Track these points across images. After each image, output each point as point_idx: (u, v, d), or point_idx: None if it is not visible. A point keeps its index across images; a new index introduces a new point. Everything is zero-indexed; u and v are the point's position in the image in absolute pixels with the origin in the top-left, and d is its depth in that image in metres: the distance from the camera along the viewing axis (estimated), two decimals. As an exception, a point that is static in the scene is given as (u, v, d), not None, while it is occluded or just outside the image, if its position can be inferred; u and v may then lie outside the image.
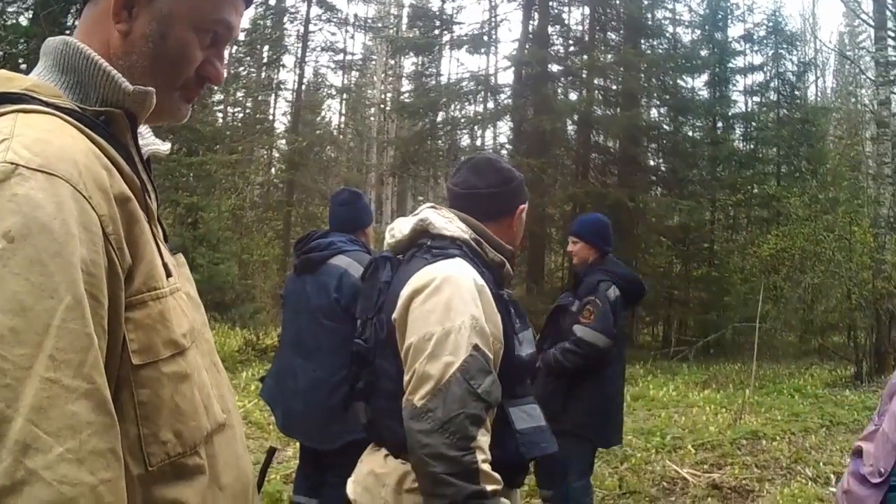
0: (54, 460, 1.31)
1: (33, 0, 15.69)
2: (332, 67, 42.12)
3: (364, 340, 3.41)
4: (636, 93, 30.84)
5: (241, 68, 35.49)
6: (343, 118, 49.13)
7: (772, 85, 35.83)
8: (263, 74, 37.07)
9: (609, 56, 31.87)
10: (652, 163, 33.55)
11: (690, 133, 34.39)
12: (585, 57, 31.05)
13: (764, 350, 22.29)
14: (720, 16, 35.72)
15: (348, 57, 42.58)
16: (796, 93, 36.79)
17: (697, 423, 13.27)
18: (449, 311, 3.00)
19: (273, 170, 37.19)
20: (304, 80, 38.41)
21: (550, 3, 30.57)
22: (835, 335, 28.33)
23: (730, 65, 35.72)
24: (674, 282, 31.55)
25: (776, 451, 11.40)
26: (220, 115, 33.43)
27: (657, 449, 11.30)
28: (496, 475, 2.89)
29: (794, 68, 37.05)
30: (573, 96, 31.71)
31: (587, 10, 32.45)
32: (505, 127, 36.42)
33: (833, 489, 9.27)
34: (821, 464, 10.71)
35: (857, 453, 3.45)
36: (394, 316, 3.17)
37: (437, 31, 34.94)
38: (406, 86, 43.54)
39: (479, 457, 2.85)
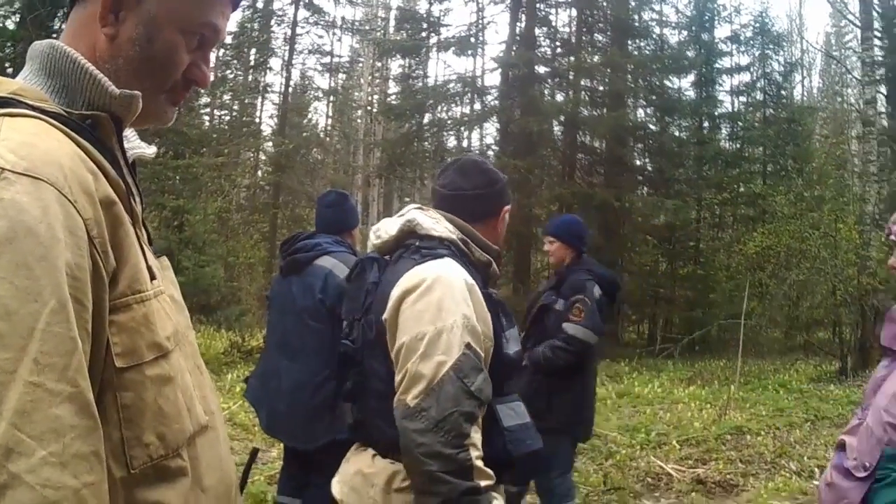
0: (37, 464, 1.32)
1: (20, 4, 15.66)
2: (319, 70, 42.17)
3: (352, 341, 3.42)
4: (623, 93, 30.80)
5: (228, 71, 35.16)
6: (330, 120, 48.96)
7: (758, 85, 35.85)
8: (250, 77, 36.78)
9: (596, 57, 31.78)
10: (638, 163, 33.44)
11: (677, 133, 34.30)
12: (572, 58, 31.06)
13: (749, 346, 22.37)
14: (707, 17, 35.73)
15: (335, 59, 42.43)
16: (783, 93, 36.85)
17: (682, 419, 13.31)
18: (441, 310, 3.00)
19: (259, 172, 36.99)
20: (291, 83, 38.39)
21: (537, 5, 30.59)
22: (820, 331, 28.40)
23: (716, 65, 35.71)
24: (660, 280, 31.57)
25: (761, 445, 11.45)
26: (206, 118, 33.15)
27: (642, 445, 11.33)
28: (489, 471, 2.93)
29: (780, 68, 37.12)
30: (560, 97, 31.67)
31: (574, 12, 32.47)
32: (491, 128, 36.42)
33: (817, 483, 9.34)
34: (805, 458, 10.76)
35: (841, 447, 3.47)
36: (384, 316, 3.16)
37: (424, 34, 34.90)
38: (393, 88, 43.54)
39: (473, 453, 2.88)
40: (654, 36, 35.07)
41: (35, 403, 1.33)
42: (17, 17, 16.08)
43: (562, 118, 29.99)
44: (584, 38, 32.43)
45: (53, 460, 1.34)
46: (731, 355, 22.29)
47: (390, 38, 39.45)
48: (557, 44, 32.65)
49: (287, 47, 35.78)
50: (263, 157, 37.42)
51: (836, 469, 3.42)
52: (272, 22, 35.64)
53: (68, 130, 1.59)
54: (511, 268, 26.03)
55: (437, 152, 32.19)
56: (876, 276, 20.52)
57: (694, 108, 33.47)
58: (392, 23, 42.98)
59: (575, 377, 6.94)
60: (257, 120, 39.02)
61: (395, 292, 3.14)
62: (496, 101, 31.60)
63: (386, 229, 3.52)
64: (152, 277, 1.71)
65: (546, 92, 31.34)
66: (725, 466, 10.28)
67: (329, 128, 48.89)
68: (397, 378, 3.02)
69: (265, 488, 8.25)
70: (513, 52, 29.45)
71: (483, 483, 2.89)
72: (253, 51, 36.11)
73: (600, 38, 33.26)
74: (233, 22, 33.29)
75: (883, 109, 28.38)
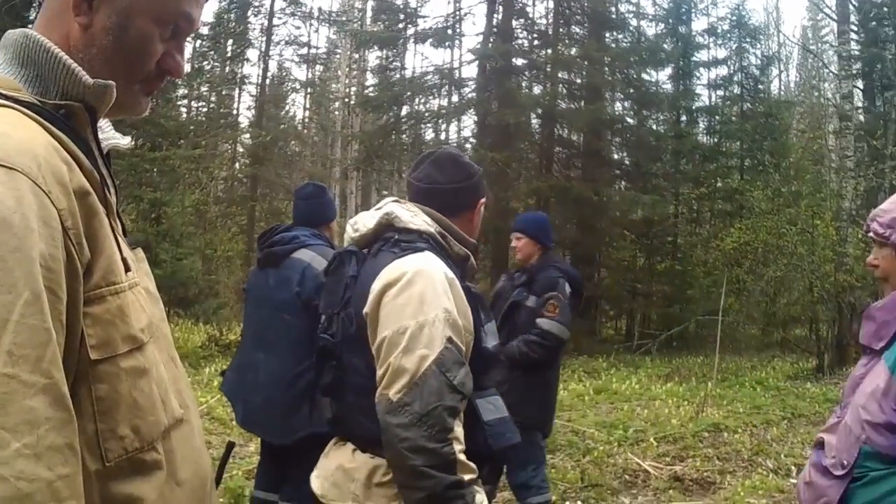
0: (11, 456, 1.30)
1: (-5, -6, 15.57)
2: (297, 61, 42.25)
3: (330, 335, 3.40)
4: (600, 86, 30.83)
5: (205, 62, 35.31)
6: (307, 112, 49.07)
7: (735, 79, 36.00)
8: (227, 68, 36.83)
9: (573, 50, 31.88)
10: (616, 156, 33.55)
11: (654, 126, 34.51)
12: (549, 51, 31.12)
13: (726, 343, 22.46)
14: (684, 9, 35.92)
15: (312, 51, 42.61)
16: (760, 86, 37.03)
17: (660, 416, 13.35)
18: (422, 304, 3.00)
19: (237, 164, 37.07)
20: (268, 74, 38.42)
21: (515, -3, 30.59)
22: (797, 328, 28.53)
23: (693, 58, 35.91)
24: (637, 275, 31.68)
25: (738, 443, 11.49)
26: (183, 109, 33.27)
27: (619, 442, 11.34)
28: (471, 464, 2.94)
29: (757, 62, 37.33)
30: (537, 90, 31.75)
31: (551, 4, 32.44)
32: (469, 121, 36.49)
33: (794, 480, 9.34)
34: (782, 455, 10.83)
35: (820, 445, 3.47)
36: (365, 310, 3.16)
37: (401, 25, 34.95)
38: (370, 80, 43.54)
39: (457, 447, 2.88)
40: (632, 28, 35.24)
41: (9, 395, 1.33)
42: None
43: (539, 111, 30.03)
44: (561, 30, 32.46)
45: (27, 452, 1.33)
46: (708, 352, 22.41)
47: (367, 29, 39.42)
48: (535, 36, 32.72)
49: (264, 38, 35.89)
50: (241, 150, 37.47)
51: (815, 467, 3.43)
52: (249, 13, 35.78)
53: (42, 120, 1.59)
54: (488, 262, 26.05)
55: (414, 145, 32.18)
56: (853, 273, 20.61)
57: (671, 102, 33.68)
58: (369, 14, 43.00)
59: (547, 373, 7.21)
60: (234, 112, 39.04)
61: (376, 286, 3.14)
62: (473, 94, 31.65)
63: (363, 222, 3.52)
64: (127, 269, 1.70)
65: (523, 84, 31.44)
66: (703, 464, 10.32)
67: (306, 120, 49.04)
68: (379, 372, 3.02)
69: (243, 483, 8.28)
70: (490, 44, 29.44)
71: (466, 477, 2.91)
72: (230, 42, 36.20)
73: (578, 30, 33.30)
74: (209, 13, 33.47)
75: (859, 104, 28.63)
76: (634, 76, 32.43)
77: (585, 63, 29.88)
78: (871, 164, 24.06)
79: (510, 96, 27.62)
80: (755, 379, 18.84)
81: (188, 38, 1.93)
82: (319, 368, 3.49)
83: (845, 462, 3.15)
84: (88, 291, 1.54)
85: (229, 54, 36.27)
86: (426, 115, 33.85)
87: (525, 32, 32.25)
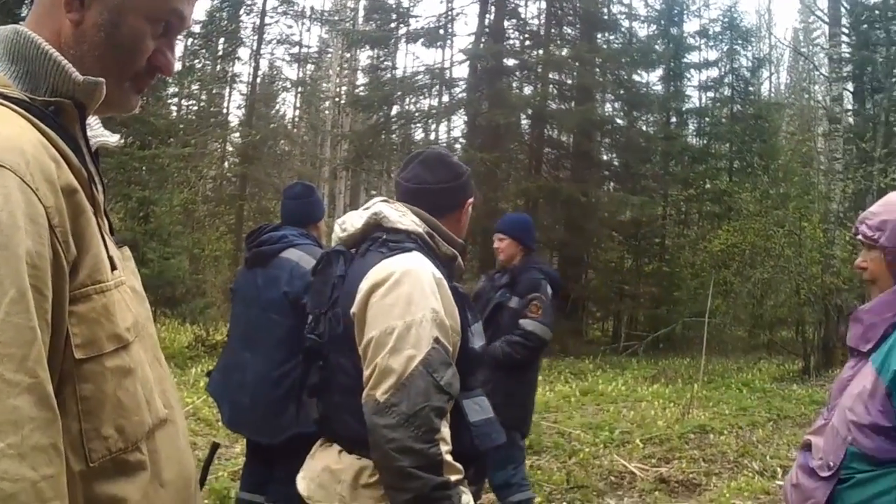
0: None
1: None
2: (288, 60, 41.92)
3: (318, 335, 3.39)
4: (591, 87, 30.86)
5: (197, 61, 35.13)
6: (297, 111, 48.90)
7: (726, 80, 36.09)
8: (218, 67, 36.64)
9: (564, 50, 31.90)
10: (605, 157, 33.60)
11: (644, 128, 34.64)
12: (541, 51, 31.12)
13: (713, 345, 22.51)
14: (676, 11, 35.98)
15: (304, 50, 42.37)
16: (750, 88, 37.08)
17: (646, 418, 13.34)
18: (410, 304, 2.99)
19: (226, 163, 36.86)
20: (260, 73, 38.27)
21: (507, -3, 30.59)
22: (783, 330, 28.63)
23: (685, 60, 35.99)
24: (625, 277, 31.79)
25: (724, 445, 11.49)
26: (174, 107, 32.99)
27: (605, 443, 11.32)
28: (458, 465, 2.93)
29: (748, 64, 37.39)
30: (528, 90, 31.82)
31: (543, 5, 32.39)
32: (459, 121, 36.47)
33: (780, 482, 9.36)
34: (768, 457, 10.81)
35: (807, 447, 3.46)
36: (352, 310, 3.14)
37: (393, 24, 34.82)
38: (361, 79, 43.45)
39: (444, 448, 2.87)
40: (623, 29, 35.20)
41: None
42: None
43: (529, 111, 30.06)
44: (553, 30, 32.48)
45: (11, 452, 1.32)
46: (695, 353, 22.46)
47: (359, 28, 39.33)
48: (526, 36, 32.69)
49: (256, 37, 35.65)
50: (230, 148, 37.29)
51: (802, 469, 3.42)
52: (241, 11, 35.53)
53: (31, 117, 1.58)
54: (476, 262, 26.01)
55: (404, 145, 32.09)
56: (840, 276, 20.68)
57: (662, 103, 33.68)
58: (361, 13, 42.86)
59: (528, 373, 7.25)
60: (225, 110, 38.85)
61: (364, 286, 3.12)
62: (464, 94, 31.62)
63: (351, 222, 3.50)
64: (113, 268, 1.68)
65: (514, 85, 31.49)
66: (688, 465, 10.30)
67: (297, 119, 48.84)
68: (366, 373, 2.99)
69: (228, 484, 8.20)
70: (481, 45, 29.45)
71: (453, 478, 2.89)
72: (221, 40, 35.96)
73: (569, 31, 33.33)
74: (201, 11, 33.25)
75: (849, 107, 28.60)
76: (625, 77, 32.49)
77: (576, 64, 29.96)
78: (859, 166, 24.07)
79: (501, 97, 27.64)
80: (741, 381, 18.88)
81: (179, 36, 1.93)
82: (306, 369, 3.48)
83: (832, 463, 3.15)
84: (74, 290, 1.53)
85: (220, 53, 36.05)
86: (416, 114, 33.82)
87: (517, 33, 32.32)
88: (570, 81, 31.16)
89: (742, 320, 26.74)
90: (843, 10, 27.23)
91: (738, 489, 9.21)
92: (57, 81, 1.66)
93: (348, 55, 44.58)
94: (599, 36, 32.97)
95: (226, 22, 35.05)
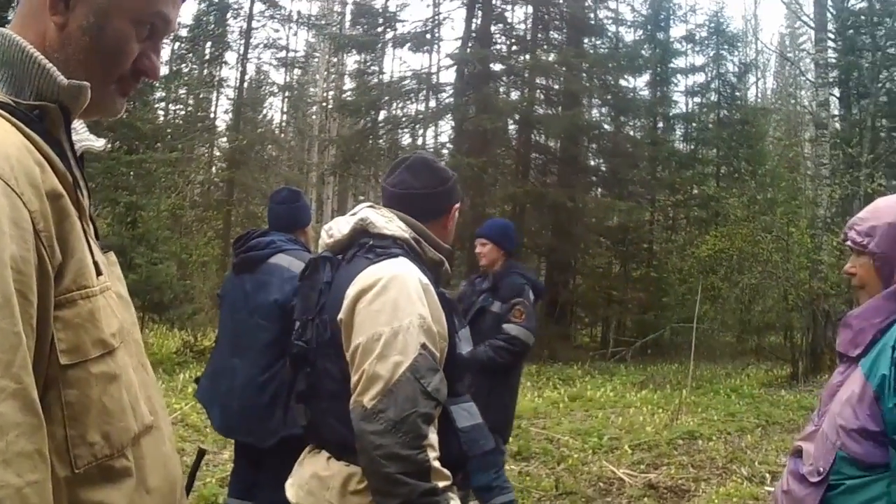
0: None
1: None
2: (275, 65, 41.89)
3: (305, 342, 3.37)
4: (578, 92, 30.91)
5: (184, 65, 35.16)
6: (285, 116, 48.91)
7: (713, 86, 36.18)
8: (205, 71, 36.68)
9: (551, 55, 31.95)
10: (592, 163, 33.68)
11: (631, 133, 34.72)
12: (528, 56, 31.15)
13: (701, 350, 22.57)
14: (662, 16, 36.09)
15: (291, 54, 42.36)
16: (737, 94, 37.27)
17: (634, 424, 13.34)
18: (396, 310, 2.99)
19: (214, 168, 36.88)
20: (247, 78, 38.27)
21: (494, 2, 30.67)
22: (771, 335, 28.66)
23: (671, 65, 36.10)
24: (612, 282, 31.88)
25: (712, 450, 11.50)
26: (161, 112, 33.01)
27: (594, 449, 11.33)
28: (446, 471, 2.93)
29: (734, 69, 37.58)
30: (515, 95, 31.83)
31: (530, 10, 32.51)
32: (446, 126, 36.52)
33: (769, 488, 9.38)
34: (756, 463, 10.83)
35: (797, 453, 3.47)
36: (339, 316, 3.14)
37: (380, 29, 34.84)
38: (348, 84, 43.45)
39: (431, 454, 2.87)
40: (610, 34, 35.38)
41: None
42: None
43: (516, 116, 30.17)
44: (539, 35, 32.59)
45: None
46: (683, 359, 22.51)
47: (346, 32, 39.35)
48: (513, 41, 32.86)
49: (243, 41, 35.69)
50: (218, 153, 37.35)
51: (793, 475, 3.42)
52: (228, 15, 35.56)
53: (15, 121, 1.57)
54: (464, 267, 26.04)
55: (391, 150, 32.15)
56: (827, 281, 20.73)
57: (648, 108, 33.80)
58: (348, 17, 42.87)
59: (510, 378, 7.37)
60: (212, 115, 38.78)
61: (351, 292, 3.12)
62: (451, 99, 31.67)
63: (338, 228, 3.51)
64: (98, 273, 1.68)
65: (501, 90, 31.51)
66: (677, 471, 10.32)
67: (284, 123, 48.85)
68: (353, 379, 3.00)
69: (217, 490, 8.20)
70: (468, 49, 29.50)
71: (441, 484, 2.89)
72: (208, 44, 36.00)
73: (556, 35, 33.44)
74: (188, 15, 33.30)
75: (836, 112, 28.76)
76: (612, 82, 32.56)
77: (563, 69, 29.93)
78: (846, 171, 24.17)
79: (488, 102, 27.70)
80: (730, 386, 18.92)
81: (165, 40, 1.91)
82: (294, 375, 3.47)
83: (821, 469, 3.15)
84: (59, 295, 1.53)
85: (207, 57, 36.09)
86: (403, 119, 33.99)
87: (503, 38, 32.44)
88: (556, 86, 31.21)
89: (730, 326, 26.91)
90: (829, 15, 27.32)
91: (726, 495, 9.20)
92: (41, 85, 1.65)
93: (335, 60, 44.54)
94: (586, 41, 33.10)
95: (213, 26, 35.07)
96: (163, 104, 33.16)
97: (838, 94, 28.95)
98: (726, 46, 36.66)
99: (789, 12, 38.11)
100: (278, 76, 45.12)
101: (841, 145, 25.78)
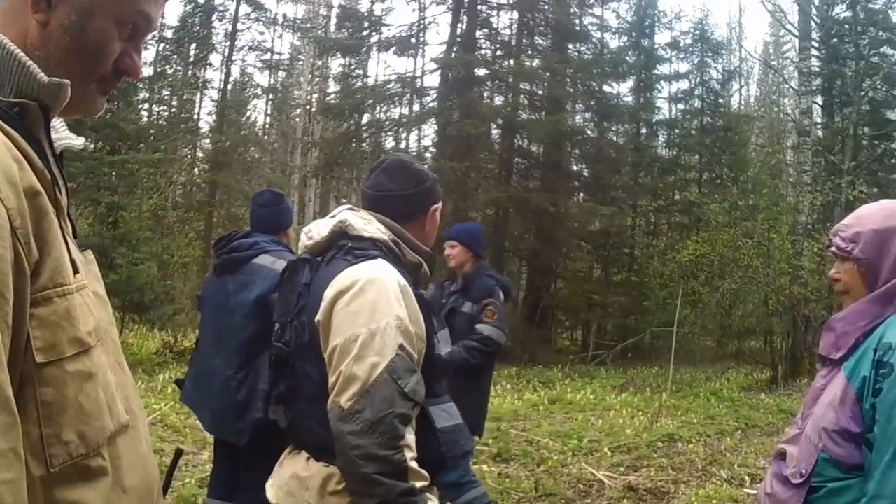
0: None
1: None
2: (260, 67, 41.76)
3: (284, 343, 3.39)
4: (562, 98, 30.92)
5: (168, 66, 35.04)
6: (268, 118, 48.74)
7: (696, 92, 36.33)
8: (190, 73, 36.52)
9: (536, 61, 31.94)
10: (575, 168, 33.72)
11: (614, 139, 34.73)
12: (512, 62, 31.16)
13: (681, 354, 22.65)
14: (647, 23, 36.22)
15: (275, 57, 42.24)
16: (720, 101, 37.29)
17: (614, 426, 13.35)
18: (374, 312, 3.00)
19: (196, 170, 36.79)
20: (231, 80, 38.22)
21: (479, 7, 30.66)
22: (752, 340, 28.69)
23: (655, 71, 36.18)
24: (594, 286, 31.83)
25: (692, 453, 11.52)
26: (144, 113, 32.81)
27: (574, 452, 11.34)
28: (423, 472, 2.93)
29: (718, 76, 37.63)
30: (499, 100, 31.85)
31: (515, 15, 32.54)
32: (430, 130, 36.37)
33: (748, 490, 9.42)
34: (735, 466, 10.86)
35: (781, 456, 3.48)
36: (317, 318, 3.14)
37: (365, 33, 34.76)
38: (332, 87, 43.39)
39: (408, 455, 2.87)
40: (595, 41, 35.35)
41: None
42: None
43: (500, 121, 30.14)
44: (524, 41, 32.56)
45: None
46: (663, 363, 22.52)
47: (331, 36, 39.28)
48: (498, 46, 32.78)
49: (227, 43, 35.65)
50: (200, 154, 37.26)
51: (776, 478, 3.44)
52: (213, 17, 35.48)
53: None
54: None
55: (374, 153, 31.96)
56: (808, 287, 20.80)
57: (632, 114, 33.86)
58: (333, 21, 42.80)
59: (482, 377, 7.53)
60: (195, 116, 38.65)
61: (329, 293, 3.12)
62: (435, 103, 31.55)
63: (317, 230, 3.50)
64: (75, 271, 1.66)
65: (485, 95, 31.52)
66: (657, 473, 10.32)
67: (267, 126, 48.65)
68: (331, 380, 3.00)
69: (196, 491, 8.14)
70: (453, 54, 29.48)
71: (418, 484, 2.89)
72: (193, 46, 35.86)
73: (541, 41, 33.38)
74: (174, 16, 33.14)
75: (818, 120, 28.80)
76: (596, 88, 32.62)
77: (547, 74, 29.97)
78: (828, 178, 24.21)
79: (471, 106, 27.68)
80: (710, 390, 18.97)
81: (147, 39, 1.93)
82: (274, 377, 3.49)
83: (804, 471, 3.18)
84: (35, 293, 1.52)
85: (192, 58, 35.93)
86: (387, 123, 33.90)
87: (488, 43, 32.37)
88: (540, 92, 31.24)
89: (710, 330, 26.96)
90: (813, 24, 27.44)
91: (706, 497, 9.21)
92: (21, 82, 1.65)
93: (320, 63, 44.52)
94: (571, 47, 33.09)
95: (198, 28, 34.94)
96: (146, 105, 32.98)
97: (821, 102, 29.00)
98: (710, 54, 36.83)
99: (774, 21, 38.09)
100: (262, 78, 44.88)
101: (823, 153, 25.87)
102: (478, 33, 30.76)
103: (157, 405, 12.24)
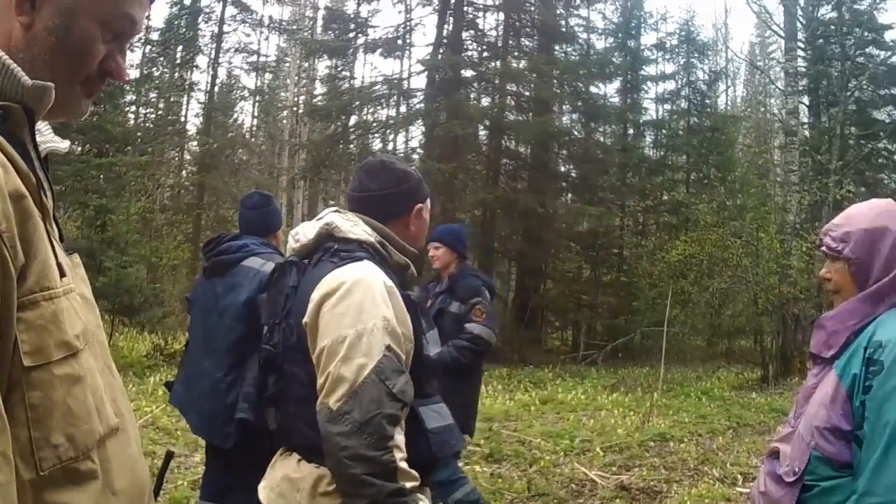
0: None
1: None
2: (246, 69, 41.71)
3: (272, 346, 3.40)
4: (548, 99, 31.00)
5: (154, 68, 35.00)
6: (255, 120, 48.65)
7: (683, 93, 36.42)
8: (176, 75, 36.47)
9: (522, 62, 31.97)
10: (562, 169, 33.81)
11: (601, 139, 34.77)
12: (499, 63, 31.21)
13: (672, 354, 22.68)
14: (633, 24, 36.24)
15: (262, 59, 42.21)
16: (707, 101, 37.34)
17: (606, 426, 13.37)
18: (361, 313, 3.00)
19: (184, 172, 36.79)
20: (218, 82, 38.16)
21: (465, 9, 30.71)
22: (742, 339, 28.80)
23: (642, 72, 36.25)
24: (583, 287, 31.88)
25: (684, 452, 11.54)
26: (131, 115, 32.79)
27: (566, 451, 11.35)
28: (413, 472, 2.93)
29: (705, 77, 37.72)
30: (486, 102, 31.88)
31: (502, 16, 32.60)
32: (417, 131, 36.36)
33: (740, 489, 9.45)
34: (727, 464, 10.88)
35: (774, 454, 3.49)
36: (304, 320, 3.15)
37: (351, 34, 34.74)
38: (319, 89, 43.38)
39: (398, 455, 2.87)
40: (581, 42, 35.44)
41: None
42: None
43: (487, 123, 30.19)
44: (510, 42, 32.62)
45: None
46: (654, 362, 22.51)
47: (317, 37, 39.25)
48: (484, 48, 32.79)
49: (214, 45, 35.65)
50: (188, 157, 37.24)
51: (770, 476, 3.45)
52: (199, 19, 35.50)
53: None
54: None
55: (362, 155, 31.89)
56: (797, 286, 20.88)
57: (619, 115, 33.91)
58: (319, 22, 42.73)
59: (472, 377, 7.59)
60: (183, 119, 38.62)
61: (315, 296, 3.13)
62: (422, 105, 31.55)
63: (304, 233, 3.51)
64: (62, 274, 1.65)
65: (472, 96, 31.54)
66: (649, 473, 10.34)
67: (254, 128, 48.60)
68: (319, 381, 3.00)
69: (188, 493, 8.15)
70: (439, 55, 29.51)
71: (408, 484, 2.90)
72: (179, 48, 35.84)
73: (527, 42, 33.44)
74: (160, 18, 33.08)
75: (805, 120, 28.89)
76: (583, 89, 32.65)
77: (534, 75, 30.02)
78: (815, 178, 24.29)
79: (458, 107, 27.70)
80: (700, 389, 19.03)
81: (132, 42, 1.91)
82: (263, 379, 3.48)
83: (797, 469, 3.19)
84: (22, 296, 1.51)
85: (178, 61, 35.88)
86: (374, 125, 33.84)
87: (475, 44, 32.37)
88: (527, 93, 31.30)
89: (700, 330, 27.10)
90: (799, 24, 27.53)
91: (698, 496, 9.22)
92: (5, 85, 1.63)
93: (306, 64, 44.51)
94: (557, 48, 33.16)
95: (184, 30, 34.94)
96: (133, 107, 33.00)
97: (808, 103, 29.10)
98: (697, 55, 36.92)
99: (760, 22, 38.26)
100: (249, 80, 44.80)
101: (810, 152, 25.96)
102: (464, 35, 30.79)
103: (147, 408, 12.23)
